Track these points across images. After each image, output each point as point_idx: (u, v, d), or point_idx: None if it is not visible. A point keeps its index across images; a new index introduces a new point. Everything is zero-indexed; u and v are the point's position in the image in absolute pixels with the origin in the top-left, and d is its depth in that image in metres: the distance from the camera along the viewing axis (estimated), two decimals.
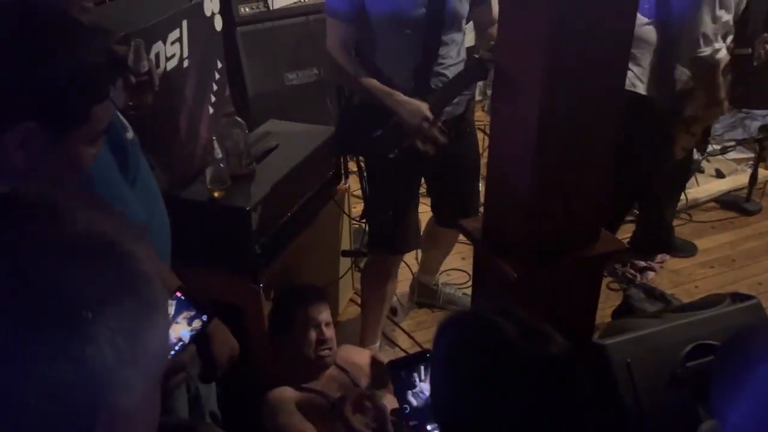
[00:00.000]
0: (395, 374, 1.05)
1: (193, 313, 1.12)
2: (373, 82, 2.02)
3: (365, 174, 2.31)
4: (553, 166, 1.30)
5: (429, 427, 1.01)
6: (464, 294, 2.75)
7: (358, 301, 2.60)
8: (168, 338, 0.52)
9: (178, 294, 1.12)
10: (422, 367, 1.05)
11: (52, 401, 0.41)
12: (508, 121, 1.37)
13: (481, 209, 1.96)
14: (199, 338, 1.25)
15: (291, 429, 1.85)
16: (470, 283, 2.77)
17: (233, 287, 2.00)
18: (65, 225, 0.45)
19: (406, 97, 1.98)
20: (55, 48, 0.87)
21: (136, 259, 0.48)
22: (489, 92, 4.36)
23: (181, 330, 1.10)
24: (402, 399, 1.03)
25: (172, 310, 1.11)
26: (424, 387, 1.04)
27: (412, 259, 2.85)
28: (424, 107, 1.96)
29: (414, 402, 1.03)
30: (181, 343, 1.09)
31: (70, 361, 0.41)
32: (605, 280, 2.74)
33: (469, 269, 2.86)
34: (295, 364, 2.03)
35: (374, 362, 2.02)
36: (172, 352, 1.07)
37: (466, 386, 0.87)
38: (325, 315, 2.05)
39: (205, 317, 1.12)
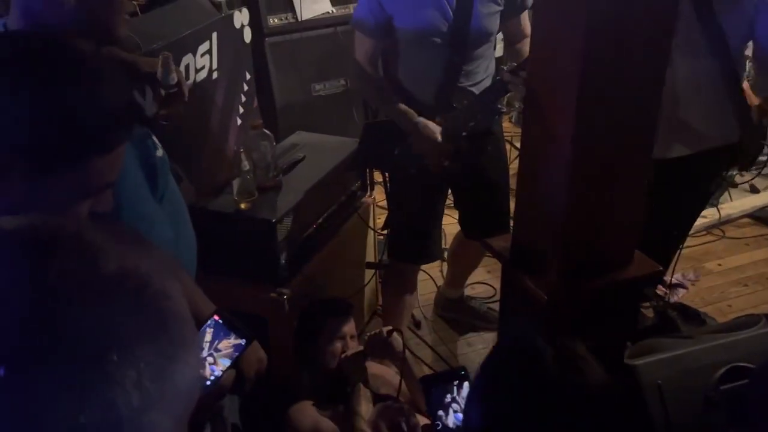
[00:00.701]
0: (427, 391, 1.03)
1: (231, 338, 1.10)
2: (393, 100, 2.01)
3: (387, 186, 2.30)
4: (586, 185, 1.27)
5: None
6: (489, 308, 2.72)
7: (381, 312, 2.58)
8: (198, 376, 0.50)
9: (216, 317, 1.11)
10: (455, 385, 1.03)
11: None
12: (540, 139, 1.35)
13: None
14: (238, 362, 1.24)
15: (314, 430, 1.85)
16: (496, 297, 2.75)
17: (258, 298, 2.00)
18: (97, 262, 0.44)
19: (421, 119, 1.98)
20: (48, 84, 0.80)
21: (168, 296, 0.47)
22: (516, 104, 4.33)
23: (220, 358, 1.09)
24: (434, 416, 1.02)
25: (209, 335, 1.09)
26: (455, 406, 1.02)
27: (436, 272, 2.82)
28: (436, 131, 1.95)
29: (446, 421, 1.01)
30: (220, 369, 1.08)
31: (96, 405, 0.40)
32: None
33: (495, 283, 2.84)
34: (318, 376, 2.03)
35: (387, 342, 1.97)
36: (213, 378, 1.06)
37: (500, 414, 0.86)
38: (350, 327, 2.04)
39: (243, 341, 1.11)
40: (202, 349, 1.07)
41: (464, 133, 1.99)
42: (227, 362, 1.08)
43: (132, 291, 0.45)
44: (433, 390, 1.03)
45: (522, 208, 1.48)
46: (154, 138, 1.27)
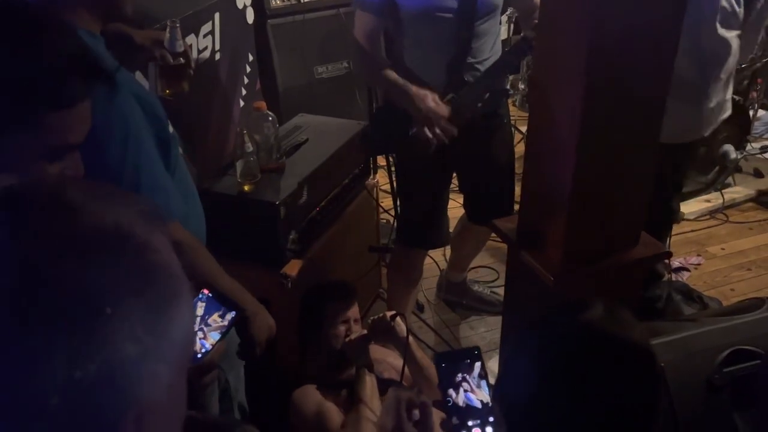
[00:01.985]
0: (439, 367, 1.03)
1: (221, 311, 1.11)
2: (392, 74, 1.98)
3: (396, 171, 2.28)
4: (593, 166, 1.25)
5: (470, 423, 0.99)
6: (492, 292, 2.72)
7: (385, 296, 2.59)
8: (193, 328, 0.50)
9: (206, 291, 1.11)
10: (468, 364, 1.03)
11: (75, 400, 0.40)
12: (546, 119, 1.33)
13: (516, 207, 1.93)
14: (238, 324, 1.24)
15: (318, 416, 1.85)
16: (499, 281, 2.75)
17: (262, 281, 1.99)
18: (76, 219, 0.44)
19: (417, 88, 1.93)
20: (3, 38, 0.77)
21: (154, 249, 0.46)
22: (521, 87, 4.31)
23: (210, 332, 1.09)
24: (444, 393, 1.01)
25: (200, 309, 1.10)
26: (466, 385, 1.02)
27: (440, 256, 2.82)
28: (429, 95, 1.91)
29: (456, 399, 1.01)
30: (211, 342, 1.08)
31: (91, 359, 0.40)
32: None
33: (498, 267, 2.83)
34: (322, 359, 2.03)
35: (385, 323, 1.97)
36: (203, 352, 1.06)
37: (550, 375, 0.86)
38: (353, 311, 2.04)
39: (233, 313, 1.11)
40: (194, 322, 1.07)
41: (478, 104, 1.96)
42: (217, 336, 1.08)
43: (113, 245, 0.44)
44: (444, 367, 1.03)
45: (528, 189, 1.46)
46: (166, 113, 1.26)
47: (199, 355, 1.06)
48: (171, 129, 1.28)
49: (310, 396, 1.92)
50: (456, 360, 1.02)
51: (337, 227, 2.28)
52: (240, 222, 1.98)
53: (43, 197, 0.45)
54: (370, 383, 1.89)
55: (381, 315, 1.95)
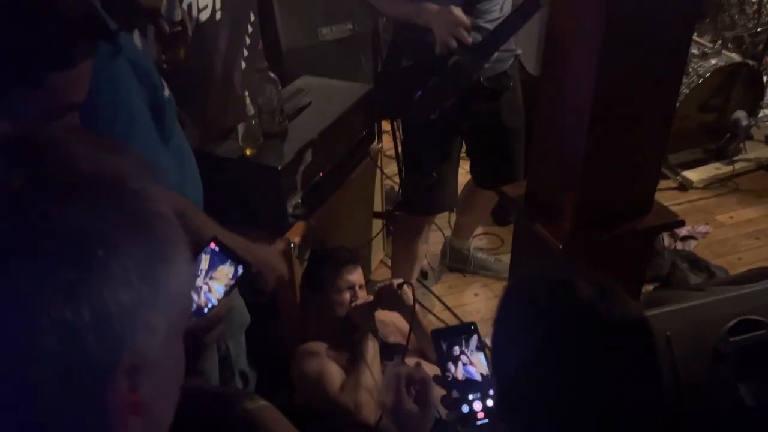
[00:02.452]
0: (437, 344, 1.02)
1: (227, 265, 1.08)
2: (404, 1, 1.91)
3: (402, 135, 2.24)
4: (607, 126, 1.21)
5: (471, 397, 0.98)
6: (497, 260, 2.70)
7: (389, 263, 2.57)
8: (192, 284, 0.49)
9: (212, 245, 1.09)
10: (464, 340, 1.02)
11: (69, 345, 0.39)
12: (559, 82, 1.28)
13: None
14: (246, 273, 1.21)
15: (319, 377, 1.86)
16: (503, 248, 2.73)
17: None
18: (73, 163, 0.43)
19: (435, 5, 1.88)
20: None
21: (148, 196, 0.45)
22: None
23: (216, 286, 1.07)
24: (444, 368, 1.01)
25: (205, 263, 1.08)
26: (464, 358, 1.02)
27: (444, 223, 2.80)
28: (455, 9, 1.86)
29: (455, 373, 1.00)
30: (216, 296, 1.06)
31: (85, 302, 0.40)
32: None
33: (502, 234, 2.81)
34: (325, 324, 2.02)
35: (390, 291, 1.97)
36: (209, 306, 1.05)
37: (538, 351, 0.83)
38: (358, 277, 2.03)
39: (240, 267, 1.09)
40: (198, 276, 1.05)
41: (486, 65, 1.91)
42: (222, 290, 1.06)
43: (108, 190, 0.44)
44: (442, 343, 1.02)
45: (538, 153, 1.42)
46: (161, 77, 1.22)
47: (206, 310, 1.05)
48: (167, 94, 1.24)
49: (314, 356, 1.92)
50: (453, 335, 1.01)
51: (342, 193, 2.25)
52: (242, 186, 1.95)
53: (41, 141, 0.45)
54: (372, 347, 1.89)
55: (388, 282, 1.94)
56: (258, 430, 0.86)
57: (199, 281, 1.07)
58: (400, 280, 1.91)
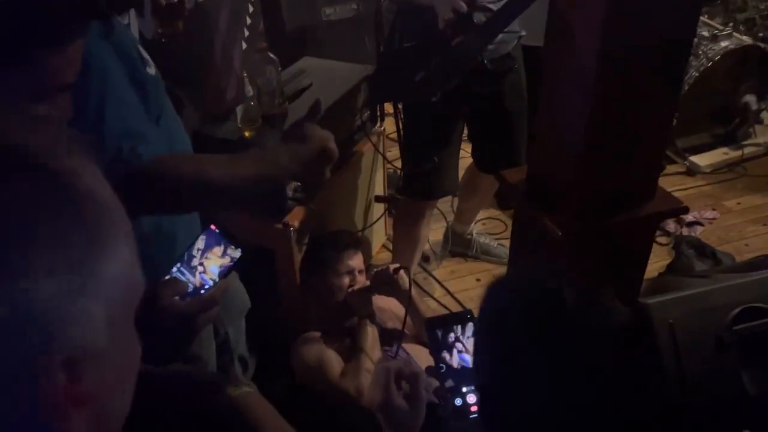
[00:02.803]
0: (431, 333, 1.00)
1: (222, 246, 1.06)
2: None
3: (403, 118, 2.21)
4: (611, 108, 1.17)
5: (464, 389, 0.97)
6: (500, 245, 2.68)
7: (390, 247, 2.55)
8: (137, 267, 0.46)
9: (213, 227, 1.07)
10: (460, 327, 1.00)
11: None
12: (562, 63, 1.24)
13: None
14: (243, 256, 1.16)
15: (319, 363, 1.86)
16: (506, 233, 2.71)
17: (264, 230, 1.96)
18: None
19: None
20: None
21: (75, 174, 0.41)
22: None
23: (211, 266, 1.05)
24: (438, 358, 0.99)
25: (201, 243, 1.06)
26: (459, 346, 1.00)
27: (447, 207, 2.77)
28: None
29: (450, 361, 0.99)
30: (211, 277, 1.05)
31: (3, 297, 0.37)
32: None
33: (506, 218, 2.78)
34: (325, 309, 2.02)
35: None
36: (206, 287, 1.03)
37: (517, 357, 0.80)
38: (358, 261, 2.02)
39: (239, 250, 1.07)
40: (194, 257, 1.04)
41: (489, 46, 1.87)
42: (217, 270, 1.05)
43: (15, 168, 0.39)
44: (437, 332, 1.00)
45: (539, 137, 1.39)
46: (145, 54, 1.19)
47: (202, 291, 1.03)
48: (153, 71, 1.20)
49: (313, 343, 1.93)
50: (448, 324, 0.99)
51: (343, 176, 2.23)
52: None
53: None
54: (371, 333, 1.89)
55: (384, 267, 1.93)
56: (242, 416, 0.84)
57: (195, 261, 1.05)
58: (397, 265, 1.90)
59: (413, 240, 2.34)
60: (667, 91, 1.25)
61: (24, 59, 0.78)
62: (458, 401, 0.94)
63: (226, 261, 1.06)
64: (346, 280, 1.97)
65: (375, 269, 1.98)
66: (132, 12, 1.51)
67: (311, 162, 1.10)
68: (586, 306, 0.79)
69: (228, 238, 1.07)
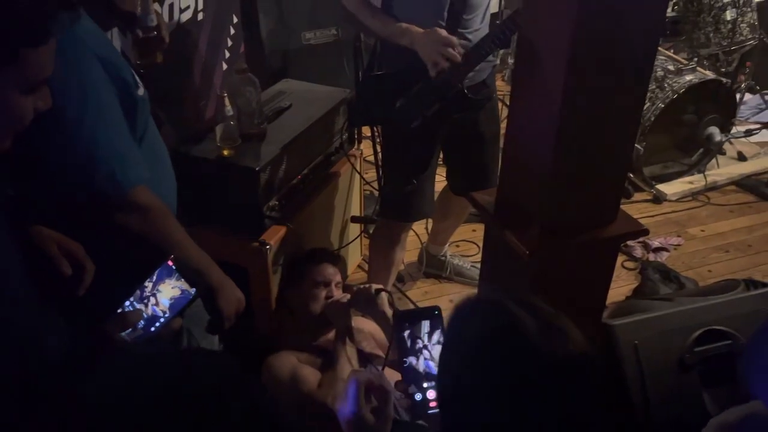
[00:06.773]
0: (399, 325, 1.02)
1: (174, 280, 1.10)
2: (388, 20, 1.94)
3: (382, 142, 2.25)
4: (575, 140, 1.24)
5: (425, 385, 0.99)
6: (473, 266, 2.72)
7: (366, 267, 2.58)
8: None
9: (170, 263, 1.10)
10: (427, 335, 1.02)
11: None
12: (530, 91, 1.31)
13: None
14: (205, 294, 1.23)
15: (292, 377, 1.85)
16: (479, 256, 2.76)
17: (240, 247, 1.98)
18: None
19: (419, 28, 1.90)
20: None
21: None
22: (510, 61, 4.27)
23: (162, 299, 1.08)
24: (402, 353, 1.01)
25: (155, 275, 1.09)
26: (427, 354, 1.02)
27: (421, 229, 2.82)
28: (440, 30, 1.88)
29: (416, 365, 1.01)
30: (162, 309, 1.08)
31: None
32: (620, 259, 2.70)
33: (479, 241, 2.83)
34: (301, 323, 2.02)
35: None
36: (156, 326, 1.06)
37: (475, 377, 0.83)
38: (336, 275, 2.03)
39: (193, 291, 1.11)
40: (146, 287, 1.07)
41: (469, 74, 1.94)
42: (167, 303, 1.07)
43: None
44: (405, 324, 1.02)
45: (508, 162, 1.45)
46: (135, 75, 1.22)
47: (153, 329, 1.06)
48: (141, 92, 1.24)
49: (284, 360, 1.92)
50: (416, 320, 1.02)
51: (320, 196, 2.26)
52: (218, 187, 1.95)
53: None
54: (348, 344, 1.88)
55: (366, 285, 1.94)
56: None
57: (147, 291, 1.08)
58: (379, 286, 1.91)
59: (389, 261, 2.37)
60: (627, 122, 1.32)
61: (14, 57, 0.84)
62: (418, 395, 0.97)
63: (179, 296, 1.09)
64: (323, 291, 1.98)
65: (356, 287, 1.99)
66: (115, 31, 1.54)
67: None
68: (544, 331, 0.82)
69: (184, 276, 1.10)
